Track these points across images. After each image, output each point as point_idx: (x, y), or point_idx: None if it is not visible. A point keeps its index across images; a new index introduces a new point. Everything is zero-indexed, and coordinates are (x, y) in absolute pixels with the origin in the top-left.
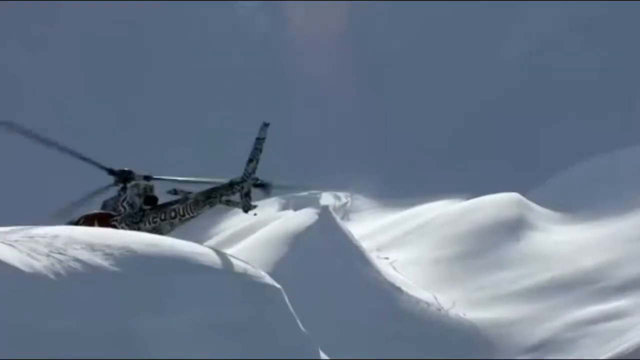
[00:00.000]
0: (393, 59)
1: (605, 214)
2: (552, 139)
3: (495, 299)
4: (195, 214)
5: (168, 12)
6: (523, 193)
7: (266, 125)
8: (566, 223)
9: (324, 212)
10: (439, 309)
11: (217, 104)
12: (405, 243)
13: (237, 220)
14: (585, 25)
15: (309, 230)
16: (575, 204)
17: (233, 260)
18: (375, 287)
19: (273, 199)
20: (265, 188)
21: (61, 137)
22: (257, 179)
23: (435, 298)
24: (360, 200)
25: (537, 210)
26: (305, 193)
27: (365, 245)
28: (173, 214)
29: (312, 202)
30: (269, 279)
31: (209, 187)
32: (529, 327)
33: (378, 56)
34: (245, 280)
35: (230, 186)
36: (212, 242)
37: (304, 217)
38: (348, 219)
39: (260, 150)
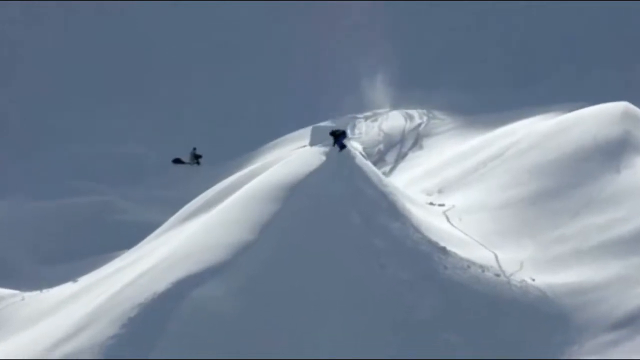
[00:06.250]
0: None
1: None
2: None
3: (577, 255)
4: None
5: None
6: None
7: None
8: None
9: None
10: (498, 275)
11: None
12: (471, 181)
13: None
14: None
15: (310, 178)
16: None
17: None
18: (409, 249)
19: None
20: None
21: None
22: None
23: (496, 258)
24: (439, 120)
25: None
26: (369, 113)
27: (425, 186)
28: None
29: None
30: None
31: None
32: (618, 293)
33: None
34: None
35: None
36: (206, 194)
37: (308, 159)
38: (420, 147)
39: None
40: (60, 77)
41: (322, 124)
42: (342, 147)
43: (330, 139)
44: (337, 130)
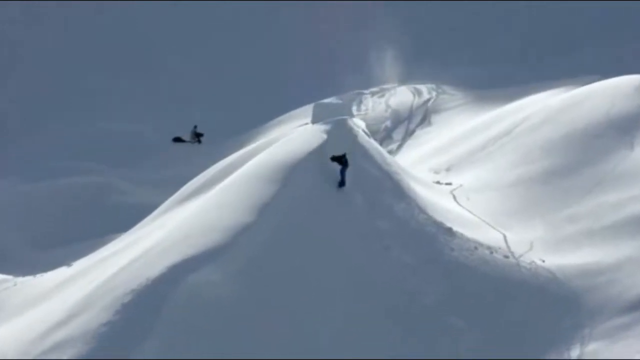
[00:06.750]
0: None
1: None
2: None
3: (588, 235)
4: None
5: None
6: None
7: None
8: None
9: (338, 128)
10: (507, 256)
11: None
12: (480, 159)
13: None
14: None
15: (311, 157)
16: None
17: None
18: (413, 230)
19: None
20: None
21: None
22: None
23: (505, 239)
24: (449, 95)
25: None
26: (375, 88)
27: (433, 164)
28: None
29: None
30: None
31: None
32: (630, 275)
33: None
34: None
35: None
36: (206, 173)
37: (309, 137)
38: (429, 123)
39: None
40: (60, 77)
41: (326, 100)
42: (342, 183)
43: (334, 115)
44: (338, 155)
